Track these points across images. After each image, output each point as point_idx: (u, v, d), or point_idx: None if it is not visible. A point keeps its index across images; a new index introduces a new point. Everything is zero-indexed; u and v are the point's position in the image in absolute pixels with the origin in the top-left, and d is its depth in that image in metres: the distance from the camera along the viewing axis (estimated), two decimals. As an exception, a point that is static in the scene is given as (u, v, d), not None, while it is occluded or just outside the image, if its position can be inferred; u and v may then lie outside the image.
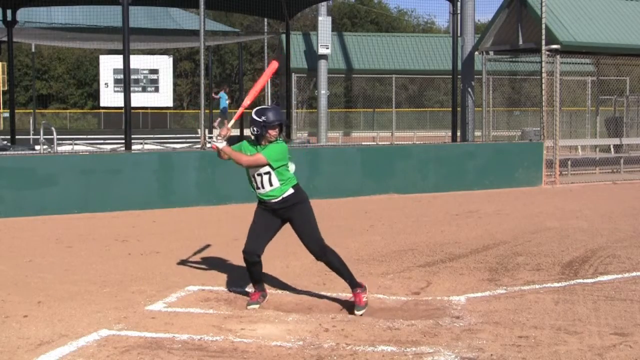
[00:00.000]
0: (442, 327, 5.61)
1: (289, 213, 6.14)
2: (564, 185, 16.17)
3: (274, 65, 6.47)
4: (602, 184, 16.87)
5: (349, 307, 6.20)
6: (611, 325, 5.65)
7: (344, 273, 6.22)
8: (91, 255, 8.56)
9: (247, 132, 29.03)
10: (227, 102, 29.86)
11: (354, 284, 6.18)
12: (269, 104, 27.10)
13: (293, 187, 6.13)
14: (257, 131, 5.99)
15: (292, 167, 6.19)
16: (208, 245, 8.86)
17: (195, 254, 8.42)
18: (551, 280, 7.22)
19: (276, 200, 6.10)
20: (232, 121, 6.24)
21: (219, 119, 28.14)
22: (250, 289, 6.58)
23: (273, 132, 6.00)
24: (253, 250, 6.15)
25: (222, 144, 5.96)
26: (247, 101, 6.27)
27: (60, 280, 7.21)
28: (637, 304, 6.29)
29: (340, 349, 5.07)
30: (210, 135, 22.31)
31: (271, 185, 6.05)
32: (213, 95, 29.70)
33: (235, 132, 29.73)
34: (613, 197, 14.40)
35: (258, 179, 6.07)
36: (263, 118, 5.94)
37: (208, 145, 6.10)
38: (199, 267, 7.77)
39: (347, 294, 6.47)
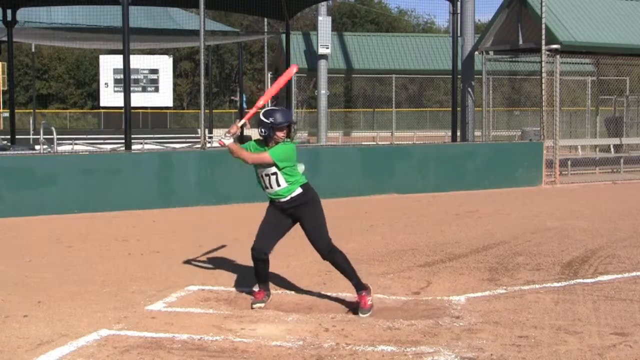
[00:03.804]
0: (442, 327, 5.61)
1: (298, 213, 6.13)
2: (564, 185, 16.17)
3: (293, 69, 6.47)
4: (602, 184, 16.87)
5: (349, 307, 6.20)
6: (611, 325, 5.65)
7: (349, 274, 6.19)
8: (91, 255, 8.56)
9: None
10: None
11: (359, 286, 6.15)
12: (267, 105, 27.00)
13: (302, 186, 6.10)
14: (265, 132, 5.97)
15: (301, 167, 6.17)
16: (208, 245, 8.85)
17: (195, 254, 8.42)
18: (551, 280, 7.22)
19: (284, 200, 6.10)
20: (243, 120, 6.17)
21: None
22: (253, 288, 6.58)
23: (281, 134, 5.98)
24: (261, 249, 6.16)
25: (228, 141, 5.94)
26: (260, 101, 6.24)
27: (60, 280, 7.21)
28: (637, 304, 6.29)
29: (340, 349, 5.07)
30: (209, 134, 22.27)
31: (278, 185, 6.04)
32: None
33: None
34: (613, 197, 14.40)
35: (266, 179, 6.07)
36: (271, 119, 5.93)
37: (221, 140, 6.03)
38: (199, 267, 7.77)
39: (347, 294, 6.48)
